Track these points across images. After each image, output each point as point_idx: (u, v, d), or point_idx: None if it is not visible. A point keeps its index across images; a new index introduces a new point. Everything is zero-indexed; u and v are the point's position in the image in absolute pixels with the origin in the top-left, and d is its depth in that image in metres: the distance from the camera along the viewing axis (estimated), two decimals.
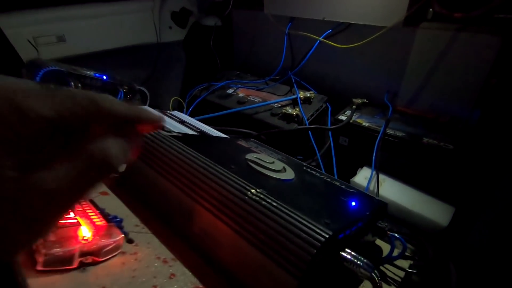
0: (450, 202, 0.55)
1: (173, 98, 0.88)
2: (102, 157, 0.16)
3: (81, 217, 0.27)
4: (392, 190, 0.58)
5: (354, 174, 0.63)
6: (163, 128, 0.26)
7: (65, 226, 0.25)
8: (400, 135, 0.62)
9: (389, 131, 0.63)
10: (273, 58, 0.90)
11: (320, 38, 0.78)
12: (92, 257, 0.24)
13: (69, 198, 0.15)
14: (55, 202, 0.15)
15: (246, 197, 0.29)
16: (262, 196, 0.29)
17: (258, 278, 0.26)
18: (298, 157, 0.58)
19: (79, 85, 0.66)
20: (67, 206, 0.15)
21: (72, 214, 0.27)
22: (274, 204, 0.28)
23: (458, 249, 0.50)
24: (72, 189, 0.15)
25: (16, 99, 0.14)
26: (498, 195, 0.50)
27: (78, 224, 0.26)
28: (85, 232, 0.25)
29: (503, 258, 0.43)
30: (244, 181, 0.31)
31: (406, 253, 0.35)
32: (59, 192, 0.15)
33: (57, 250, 0.23)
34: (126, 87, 0.74)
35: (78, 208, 0.29)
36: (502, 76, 0.59)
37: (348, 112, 0.71)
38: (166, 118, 0.62)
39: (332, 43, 0.76)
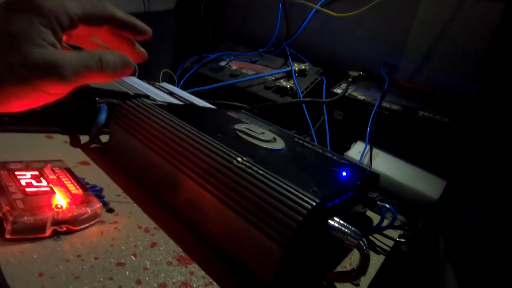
0: (442, 175, 0.55)
1: (163, 71, 0.85)
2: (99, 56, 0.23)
3: (55, 185, 0.26)
4: (384, 164, 0.57)
5: (348, 148, 0.62)
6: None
7: (37, 194, 0.24)
8: (396, 108, 0.60)
9: (384, 104, 0.61)
10: (268, 29, 0.86)
11: (317, 6, 0.75)
12: (67, 225, 0.23)
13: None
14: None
15: (232, 165, 0.28)
16: (248, 164, 0.28)
17: (243, 247, 0.26)
18: (292, 131, 0.57)
19: None
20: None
21: (44, 182, 0.26)
22: (261, 172, 0.27)
23: (447, 222, 0.50)
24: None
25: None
26: (491, 169, 0.49)
27: (51, 192, 0.25)
28: (59, 200, 0.24)
29: (491, 232, 0.43)
30: (230, 150, 0.30)
31: (396, 223, 0.34)
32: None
33: (27, 218, 0.21)
34: None
35: (52, 175, 0.27)
36: (502, 49, 0.57)
37: (343, 85, 0.69)
38: (153, 89, 0.59)
39: (329, 11, 0.73)
